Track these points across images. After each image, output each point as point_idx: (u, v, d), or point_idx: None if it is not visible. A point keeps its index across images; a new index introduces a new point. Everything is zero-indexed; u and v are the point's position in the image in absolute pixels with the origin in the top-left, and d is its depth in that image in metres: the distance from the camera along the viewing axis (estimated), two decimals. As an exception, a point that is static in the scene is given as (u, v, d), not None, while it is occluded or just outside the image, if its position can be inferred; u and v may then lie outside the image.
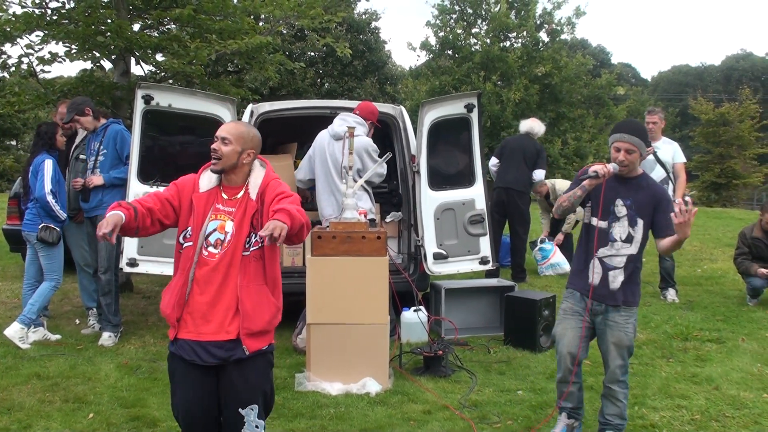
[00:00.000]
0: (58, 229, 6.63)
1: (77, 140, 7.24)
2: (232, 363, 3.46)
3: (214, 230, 3.49)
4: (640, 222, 4.30)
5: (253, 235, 3.48)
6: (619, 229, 4.33)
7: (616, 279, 4.35)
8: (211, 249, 3.48)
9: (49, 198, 6.51)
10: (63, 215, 6.67)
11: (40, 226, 6.56)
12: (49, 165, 6.59)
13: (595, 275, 4.36)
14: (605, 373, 4.50)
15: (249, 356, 3.46)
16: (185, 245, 3.50)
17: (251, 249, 3.49)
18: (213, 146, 3.50)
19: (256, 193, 3.52)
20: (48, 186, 6.53)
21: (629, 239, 4.33)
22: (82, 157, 7.12)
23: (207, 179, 3.58)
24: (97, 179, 6.78)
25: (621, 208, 4.32)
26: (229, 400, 3.49)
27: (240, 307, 3.44)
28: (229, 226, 3.48)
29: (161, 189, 3.69)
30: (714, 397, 5.28)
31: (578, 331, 4.43)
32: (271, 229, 3.17)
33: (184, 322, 3.49)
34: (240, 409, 3.46)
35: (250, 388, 3.51)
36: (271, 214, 3.33)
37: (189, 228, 3.51)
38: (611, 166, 4.28)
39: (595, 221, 4.38)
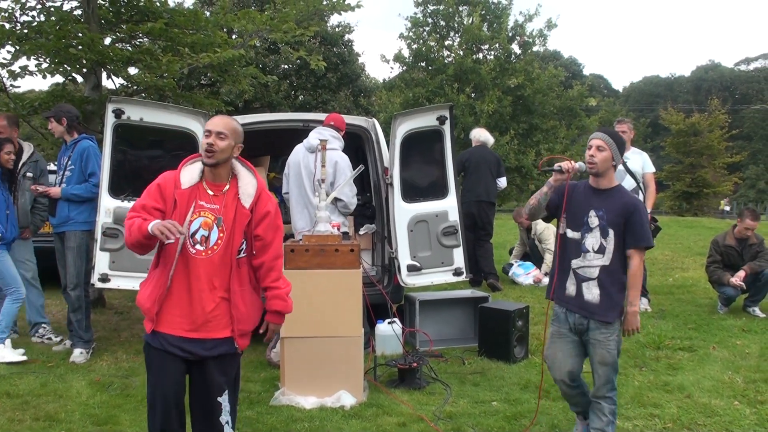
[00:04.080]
0: None
1: (24, 157, 7.16)
2: (213, 357, 3.61)
3: (199, 228, 3.55)
4: (611, 232, 4.24)
5: (245, 243, 3.60)
6: (592, 240, 4.28)
7: (591, 291, 4.28)
8: (198, 246, 3.54)
9: None
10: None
11: None
12: None
13: (571, 287, 4.36)
14: (593, 388, 4.44)
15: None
16: (167, 242, 3.51)
17: (242, 255, 3.61)
18: (209, 140, 3.54)
19: (250, 203, 3.61)
20: None
21: (601, 250, 4.26)
22: (29, 174, 7.09)
23: (189, 175, 3.61)
24: (53, 190, 6.74)
25: (593, 219, 4.29)
26: (207, 391, 3.63)
27: (234, 311, 3.59)
28: (215, 224, 3.56)
29: (133, 203, 3.72)
30: (686, 405, 5.33)
31: (567, 352, 4.41)
32: (271, 337, 3.83)
33: (166, 316, 3.56)
34: (218, 398, 3.63)
35: (227, 378, 3.68)
36: (267, 304, 3.71)
37: None
38: (577, 164, 4.29)
39: (569, 232, 4.38)
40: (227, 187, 3.63)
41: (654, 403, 5.37)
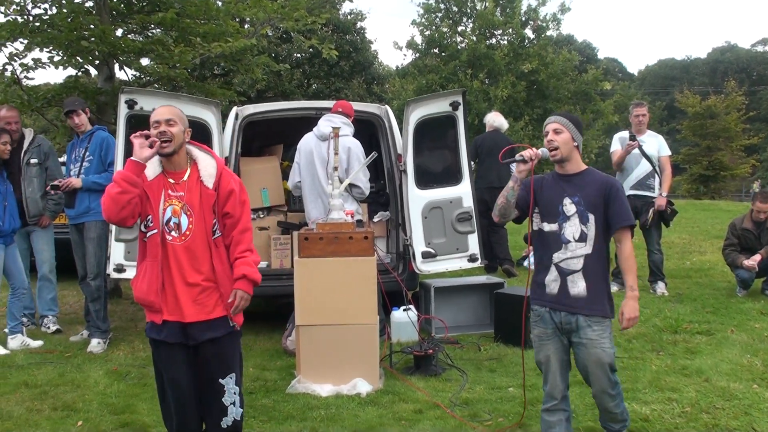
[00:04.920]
0: None
1: (25, 144, 7.18)
2: (209, 339, 3.69)
3: (171, 216, 3.66)
4: (592, 217, 3.92)
5: (216, 221, 3.70)
6: (571, 229, 3.94)
7: (577, 284, 3.93)
8: (173, 233, 3.65)
9: None
10: None
11: None
12: None
13: (552, 284, 4.00)
14: (592, 390, 4.10)
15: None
16: (149, 233, 3.66)
17: (217, 234, 3.71)
18: (161, 129, 3.62)
19: (213, 182, 3.71)
20: None
21: (583, 238, 3.93)
22: (33, 161, 7.10)
23: (152, 168, 3.69)
24: (75, 181, 6.75)
25: (570, 207, 3.96)
26: (209, 373, 3.72)
27: (222, 289, 3.70)
28: (183, 211, 3.66)
29: None
30: (704, 389, 5.29)
31: (559, 354, 4.03)
32: (238, 304, 3.69)
33: (165, 305, 3.67)
34: (220, 379, 3.71)
35: (228, 359, 3.76)
36: (235, 271, 3.71)
37: (150, 216, 3.65)
38: (540, 150, 3.99)
39: (546, 226, 4.03)
40: (188, 172, 3.73)
41: (672, 387, 5.33)
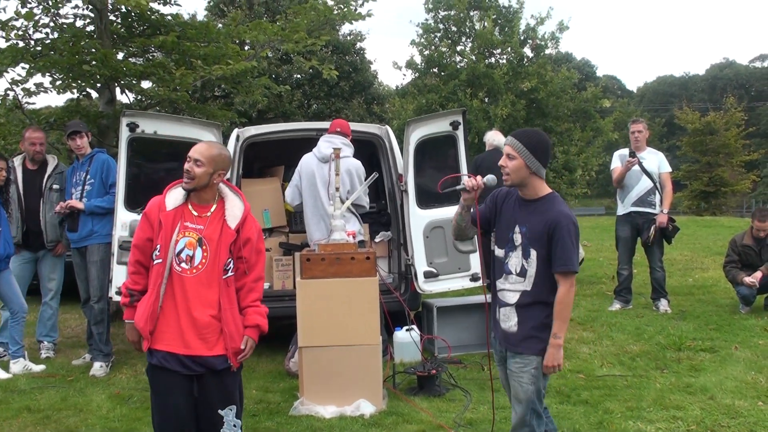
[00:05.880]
0: None
1: (49, 170, 7.19)
2: (210, 371, 3.69)
3: (184, 247, 3.66)
4: (533, 253, 3.61)
5: (231, 261, 3.70)
6: (515, 260, 3.68)
7: (509, 318, 3.69)
8: (183, 265, 3.66)
9: None
10: None
11: None
12: None
13: (496, 311, 3.81)
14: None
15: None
16: (155, 262, 3.69)
17: (229, 274, 3.72)
18: (186, 167, 3.68)
19: (236, 224, 3.74)
20: None
21: (522, 273, 3.64)
22: (55, 187, 7.11)
23: (173, 198, 3.75)
24: (77, 203, 6.75)
25: (517, 236, 3.67)
26: (208, 404, 3.71)
27: (225, 327, 3.68)
28: (199, 244, 3.67)
29: None
30: (709, 407, 5.27)
31: (507, 383, 3.86)
32: (247, 353, 3.75)
33: (161, 334, 3.67)
34: (219, 410, 3.69)
35: (228, 392, 3.75)
36: (247, 319, 3.77)
37: (159, 245, 3.68)
38: (486, 178, 3.74)
39: (496, 249, 3.81)
40: (213, 208, 3.77)
41: (676, 406, 5.31)
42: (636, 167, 8.35)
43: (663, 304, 8.53)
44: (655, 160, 8.53)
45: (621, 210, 8.70)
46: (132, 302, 3.76)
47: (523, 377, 3.65)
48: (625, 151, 8.64)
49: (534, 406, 3.68)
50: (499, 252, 3.77)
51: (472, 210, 3.83)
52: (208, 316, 3.65)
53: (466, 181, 3.71)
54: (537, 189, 3.66)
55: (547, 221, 3.56)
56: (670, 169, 8.66)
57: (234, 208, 3.78)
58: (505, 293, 3.73)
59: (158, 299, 3.63)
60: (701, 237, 15.80)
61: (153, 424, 3.84)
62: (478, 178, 3.71)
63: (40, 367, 6.77)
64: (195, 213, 3.72)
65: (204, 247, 3.66)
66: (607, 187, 42.88)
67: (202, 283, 3.65)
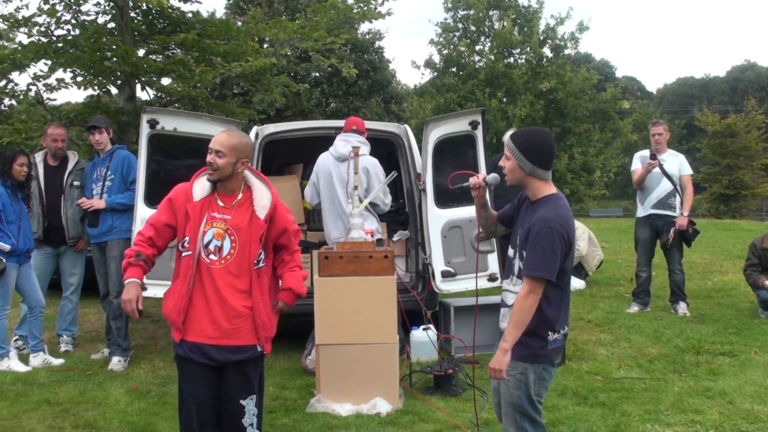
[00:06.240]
0: (3, 260, 6.42)
1: (69, 166, 7.23)
2: (233, 361, 3.71)
3: (212, 238, 3.67)
4: (525, 255, 3.51)
5: (262, 252, 3.71)
6: (518, 262, 3.57)
7: (505, 319, 3.60)
8: (212, 257, 3.67)
9: None
10: (5, 247, 6.41)
11: None
12: None
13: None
14: None
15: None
16: (184, 254, 3.69)
17: (260, 265, 3.72)
18: (208, 159, 3.66)
19: (265, 214, 3.72)
20: None
21: (520, 275, 3.54)
22: (76, 183, 7.15)
23: (200, 188, 3.73)
24: (98, 203, 6.80)
25: (518, 238, 3.62)
26: (230, 393, 3.73)
27: (257, 318, 3.70)
28: (227, 234, 3.67)
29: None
30: (728, 412, 5.22)
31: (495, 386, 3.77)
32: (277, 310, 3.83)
33: (192, 325, 3.67)
34: (241, 400, 3.72)
35: (250, 381, 3.77)
36: (283, 283, 3.85)
37: (187, 237, 3.67)
38: (489, 176, 3.75)
39: (510, 249, 3.72)
40: (239, 197, 3.75)
41: (695, 409, 5.27)
42: (656, 169, 8.30)
43: (682, 307, 8.47)
44: (676, 162, 8.47)
45: (641, 212, 8.65)
46: (137, 260, 3.69)
47: (510, 382, 3.55)
48: (646, 153, 8.58)
49: (523, 410, 3.56)
50: (510, 252, 3.72)
51: (489, 208, 3.84)
52: (239, 306, 3.66)
53: (472, 179, 3.74)
54: (536, 190, 3.57)
55: (529, 224, 3.47)
56: (691, 172, 8.60)
57: (262, 198, 3.76)
58: (507, 294, 3.66)
59: (188, 291, 3.64)
60: (721, 240, 15.69)
61: (178, 412, 3.84)
62: (481, 176, 3.73)
63: (60, 361, 6.83)
64: (221, 203, 3.71)
65: (232, 238, 3.66)
66: (625, 188, 42.74)
67: (231, 273, 3.66)
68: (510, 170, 3.57)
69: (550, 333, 3.51)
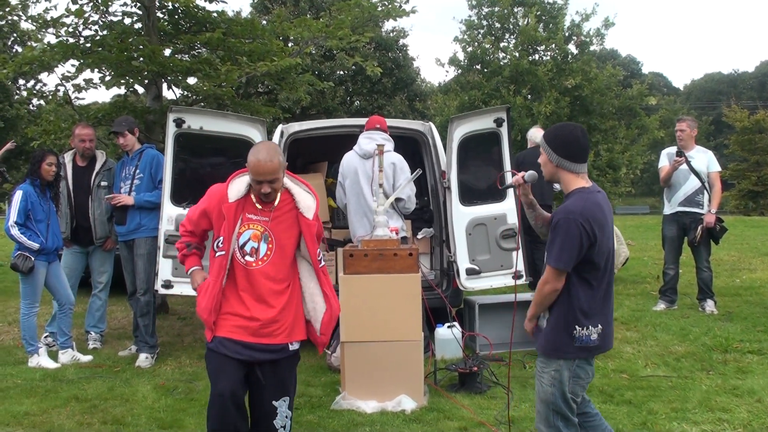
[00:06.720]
0: (32, 258, 6.49)
1: (97, 167, 7.29)
2: (268, 361, 3.74)
3: (248, 239, 3.70)
4: None
5: (320, 251, 3.82)
6: None
7: (544, 316, 3.65)
8: (248, 258, 3.69)
9: (13, 231, 6.44)
10: (34, 245, 6.48)
11: (15, 254, 6.51)
12: (17, 196, 6.52)
13: None
14: None
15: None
16: (218, 254, 3.72)
17: (323, 264, 3.84)
18: (264, 191, 3.64)
19: (313, 213, 3.79)
20: (13, 218, 6.47)
21: None
22: (104, 183, 7.22)
23: (236, 189, 3.74)
24: (127, 198, 6.86)
25: None
26: (264, 394, 3.76)
27: (290, 318, 3.79)
28: (264, 237, 3.70)
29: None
30: (756, 410, 5.17)
31: None
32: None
33: (225, 323, 3.70)
34: (274, 401, 3.74)
35: (284, 382, 3.81)
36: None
37: (221, 237, 3.71)
38: (527, 174, 3.80)
39: None
40: (278, 200, 3.77)
41: (723, 408, 5.22)
42: (684, 166, 8.22)
43: (709, 305, 8.39)
44: (704, 159, 8.38)
45: (668, 209, 8.58)
46: (190, 250, 3.86)
47: (544, 377, 3.62)
48: (673, 150, 8.50)
49: (557, 408, 3.60)
50: None
51: (538, 208, 3.86)
52: (276, 306, 3.70)
53: (514, 177, 3.81)
54: (567, 183, 3.63)
55: (555, 216, 3.56)
56: (719, 169, 8.50)
57: (306, 199, 3.81)
58: None
59: (219, 292, 3.68)
60: (749, 237, 15.51)
61: (208, 409, 3.83)
62: (520, 174, 3.80)
63: (88, 358, 6.92)
64: (259, 206, 3.74)
65: (270, 240, 3.70)
66: (651, 186, 42.37)
67: (268, 274, 3.70)
68: (543, 164, 3.69)
69: (577, 328, 3.51)
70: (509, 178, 3.87)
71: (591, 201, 3.52)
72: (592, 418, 3.84)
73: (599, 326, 3.57)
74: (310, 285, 3.88)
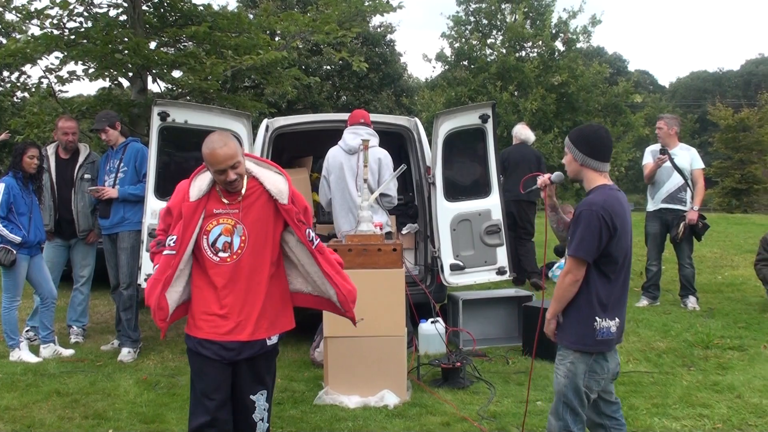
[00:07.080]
0: (14, 251, 6.44)
1: (80, 159, 7.25)
2: (244, 358, 3.67)
3: (219, 235, 3.57)
4: None
5: (309, 231, 3.65)
6: None
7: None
8: (221, 254, 3.57)
9: None
10: (16, 239, 6.44)
11: None
12: None
13: None
14: None
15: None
16: (166, 252, 3.57)
17: (316, 242, 3.69)
18: (230, 178, 3.48)
19: (287, 197, 3.59)
20: None
21: None
22: (87, 176, 7.17)
23: (198, 188, 3.59)
24: (111, 191, 6.82)
25: None
26: (241, 389, 3.71)
27: (272, 310, 3.71)
28: (236, 229, 3.57)
29: None
30: (736, 406, 5.22)
31: None
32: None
33: (203, 322, 3.63)
34: (251, 395, 3.70)
35: (261, 376, 3.75)
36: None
37: (174, 237, 3.56)
38: (554, 175, 3.93)
39: None
40: (244, 190, 3.59)
41: (703, 403, 5.27)
42: (667, 163, 8.26)
43: (691, 301, 8.45)
44: (687, 157, 8.43)
45: (651, 206, 8.62)
46: (158, 248, 3.67)
47: (560, 369, 3.70)
48: (657, 147, 8.54)
49: (567, 400, 3.65)
50: None
51: (559, 211, 3.94)
52: (252, 302, 3.60)
53: (538, 179, 3.90)
54: (590, 181, 3.73)
55: (576, 209, 3.65)
56: (702, 166, 8.55)
57: (277, 184, 3.60)
58: None
59: (163, 293, 3.55)
60: (732, 234, 15.58)
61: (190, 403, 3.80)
62: (546, 175, 3.90)
63: (70, 352, 6.88)
64: (225, 200, 3.58)
65: (243, 232, 3.56)
66: (636, 182, 42.48)
67: (244, 268, 3.57)
68: (567, 164, 3.77)
69: (597, 320, 3.59)
70: (538, 179, 3.93)
71: (612, 196, 3.63)
72: (620, 428, 3.90)
73: (617, 319, 3.65)
74: (312, 270, 3.76)
